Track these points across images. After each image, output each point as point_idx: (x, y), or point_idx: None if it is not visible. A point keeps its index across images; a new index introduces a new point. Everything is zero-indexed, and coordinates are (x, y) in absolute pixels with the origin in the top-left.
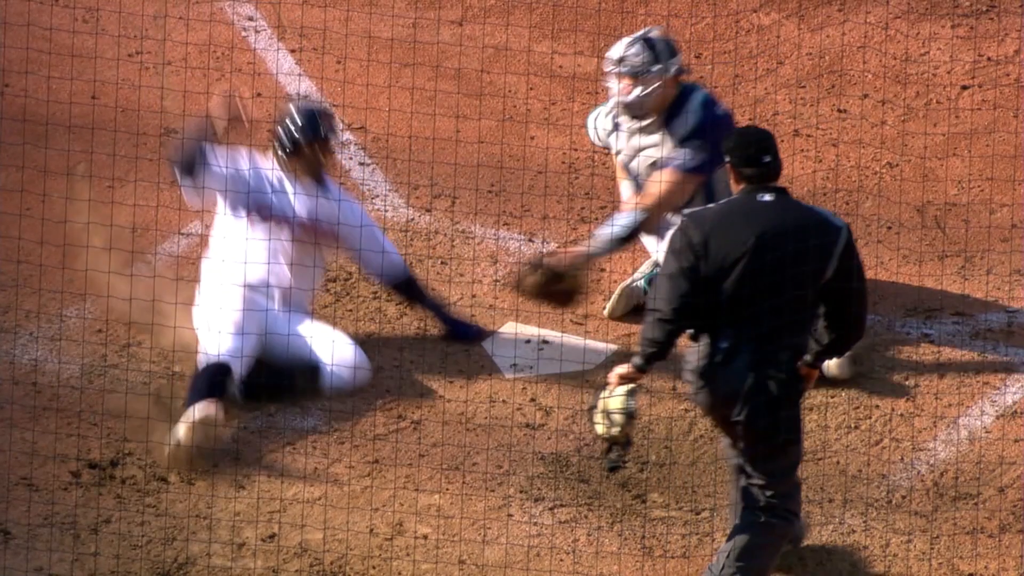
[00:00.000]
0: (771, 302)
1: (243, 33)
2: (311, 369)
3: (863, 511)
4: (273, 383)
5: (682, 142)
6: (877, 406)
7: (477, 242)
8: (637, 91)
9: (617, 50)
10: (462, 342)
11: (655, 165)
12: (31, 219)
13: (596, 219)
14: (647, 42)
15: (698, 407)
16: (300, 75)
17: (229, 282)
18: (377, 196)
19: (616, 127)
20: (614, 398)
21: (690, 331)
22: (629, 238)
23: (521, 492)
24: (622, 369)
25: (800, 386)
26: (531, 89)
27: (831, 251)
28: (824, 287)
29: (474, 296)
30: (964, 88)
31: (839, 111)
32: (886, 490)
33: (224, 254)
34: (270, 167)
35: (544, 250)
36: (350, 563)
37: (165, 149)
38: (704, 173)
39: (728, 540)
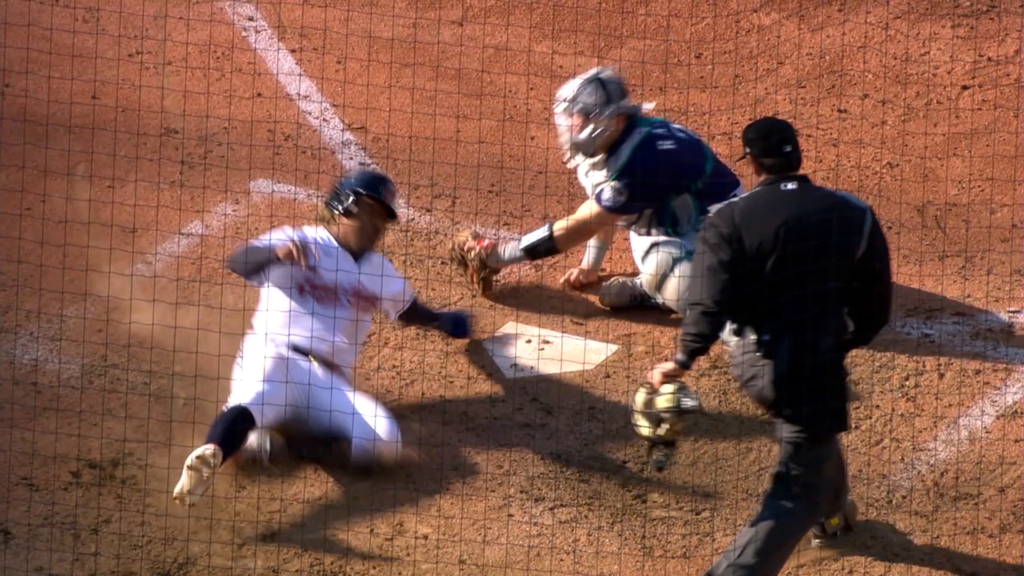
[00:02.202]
0: (806, 290)
1: (243, 33)
2: (343, 441)
3: (864, 511)
4: (303, 451)
5: (609, 178)
6: (877, 406)
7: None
8: (588, 130)
9: (569, 89)
10: (462, 337)
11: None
12: (31, 219)
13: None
14: (600, 82)
15: (749, 398)
16: (300, 75)
17: (272, 352)
18: None
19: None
20: (661, 397)
21: (732, 326)
22: (536, 252)
23: (521, 492)
24: (665, 367)
25: (844, 373)
26: (531, 89)
27: (859, 231)
28: (855, 268)
29: (474, 296)
30: (964, 88)
31: (839, 111)
32: (886, 490)
33: (268, 326)
34: (322, 237)
35: (474, 231)
36: (350, 563)
37: (230, 260)
38: (623, 214)
39: (751, 525)
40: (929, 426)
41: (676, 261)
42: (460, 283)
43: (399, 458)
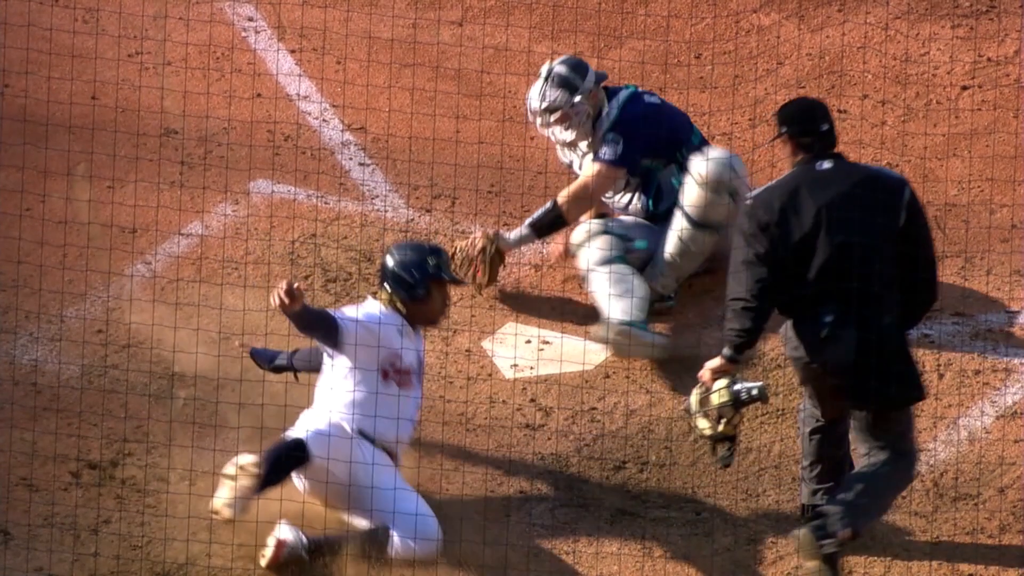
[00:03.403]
0: (858, 266)
1: (243, 33)
2: (383, 532)
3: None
4: (341, 543)
5: (602, 138)
6: None
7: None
8: (572, 123)
9: (535, 102)
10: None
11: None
12: (31, 219)
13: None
14: (557, 79)
15: (801, 378)
16: (300, 75)
17: (333, 433)
18: (377, 196)
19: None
20: (715, 394)
21: (787, 309)
22: (541, 226)
23: (521, 492)
24: (713, 364)
25: (907, 341)
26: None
27: (899, 203)
28: (898, 242)
29: (474, 296)
30: (964, 88)
31: (839, 111)
32: None
33: (330, 405)
34: (393, 318)
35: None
36: (350, 563)
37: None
38: (622, 165)
39: (856, 481)
40: (929, 426)
41: (608, 260)
42: (458, 284)
43: (439, 557)
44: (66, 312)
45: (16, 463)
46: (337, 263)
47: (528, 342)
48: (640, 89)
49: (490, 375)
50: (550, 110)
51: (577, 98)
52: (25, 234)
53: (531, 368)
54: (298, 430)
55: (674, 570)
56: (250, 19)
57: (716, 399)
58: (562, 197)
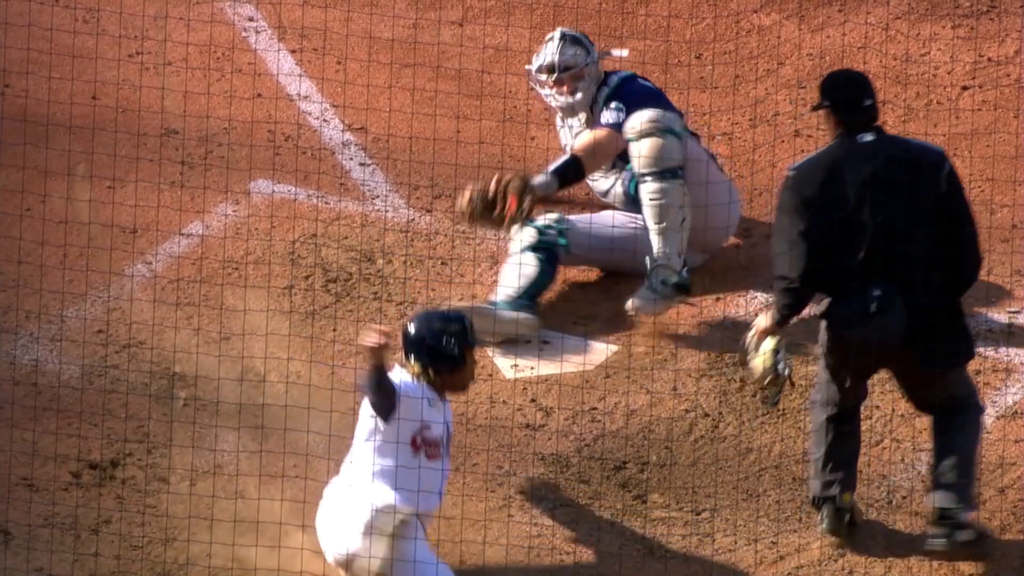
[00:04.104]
0: (901, 240)
1: (243, 33)
2: None
3: (864, 511)
4: None
5: (604, 105)
6: (878, 407)
7: (477, 243)
8: (582, 85)
9: (551, 57)
10: None
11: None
12: (31, 219)
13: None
14: (571, 39)
15: (836, 353)
16: (300, 76)
17: (356, 506)
18: (378, 196)
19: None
20: (759, 357)
21: (830, 286)
22: (566, 175)
23: (521, 493)
24: (762, 323)
25: (958, 304)
26: (531, 89)
27: (939, 177)
28: (940, 213)
29: (474, 296)
30: (964, 89)
31: None
32: (887, 490)
33: (353, 479)
34: (423, 388)
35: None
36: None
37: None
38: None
39: (945, 459)
40: (929, 426)
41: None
42: (460, 283)
43: None
44: (66, 312)
45: (16, 463)
46: (338, 263)
47: (528, 342)
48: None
49: (490, 375)
50: (566, 67)
51: (590, 59)
52: (25, 234)
53: (531, 368)
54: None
55: (674, 570)
56: (251, 19)
57: (759, 363)
58: (579, 150)
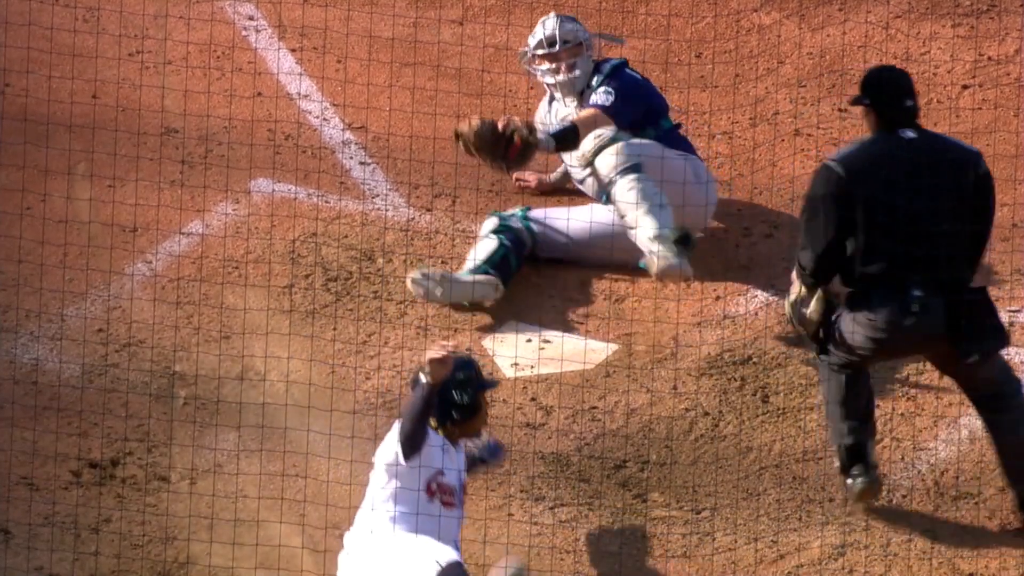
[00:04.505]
0: (944, 235)
1: (244, 32)
2: None
3: (864, 510)
4: None
5: (595, 89)
6: (878, 406)
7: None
8: (579, 62)
9: (549, 31)
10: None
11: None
12: (32, 218)
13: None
14: (568, 18)
15: (869, 347)
16: (301, 74)
17: (376, 555)
18: (378, 195)
19: (554, 109)
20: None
21: (863, 287)
22: (564, 140)
23: (522, 492)
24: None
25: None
26: (532, 88)
27: (972, 177)
28: (972, 209)
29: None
30: (965, 87)
31: (840, 111)
32: (887, 489)
33: (372, 526)
34: (436, 440)
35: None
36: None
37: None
38: (613, 116)
39: (1014, 457)
40: (929, 425)
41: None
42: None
43: None
44: (67, 311)
45: (17, 462)
46: (338, 262)
47: (529, 341)
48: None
49: (491, 374)
50: (566, 41)
51: (586, 34)
52: (26, 233)
53: (532, 367)
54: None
55: (674, 569)
56: (251, 18)
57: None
58: (579, 122)
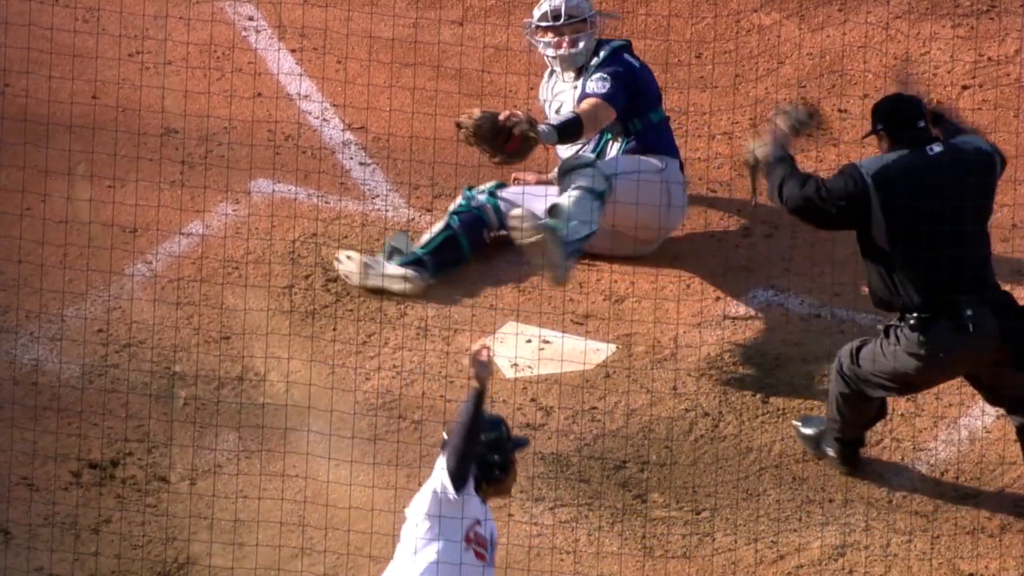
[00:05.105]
0: (980, 249)
1: (243, 33)
2: None
3: (864, 511)
4: None
5: (592, 75)
6: None
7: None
8: (582, 38)
9: (555, 4)
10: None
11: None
12: (32, 219)
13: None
14: None
15: (924, 373)
16: (301, 75)
17: None
18: (378, 196)
19: (552, 82)
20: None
21: (909, 312)
22: (566, 131)
23: (522, 492)
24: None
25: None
26: (532, 89)
27: (994, 181)
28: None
29: (475, 296)
30: (965, 88)
31: (840, 111)
32: (887, 490)
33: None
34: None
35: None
36: (351, 563)
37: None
38: (613, 104)
39: None
40: (929, 426)
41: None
42: (460, 283)
43: None
44: (67, 311)
45: (17, 462)
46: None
47: (528, 341)
48: (625, 49)
49: (491, 375)
50: (571, 15)
51: (591, 10)
52: (26, 233)
53: (531, 368)
54: None
55: (674, 570)
56: (251, 18)
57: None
58: (581, 112)
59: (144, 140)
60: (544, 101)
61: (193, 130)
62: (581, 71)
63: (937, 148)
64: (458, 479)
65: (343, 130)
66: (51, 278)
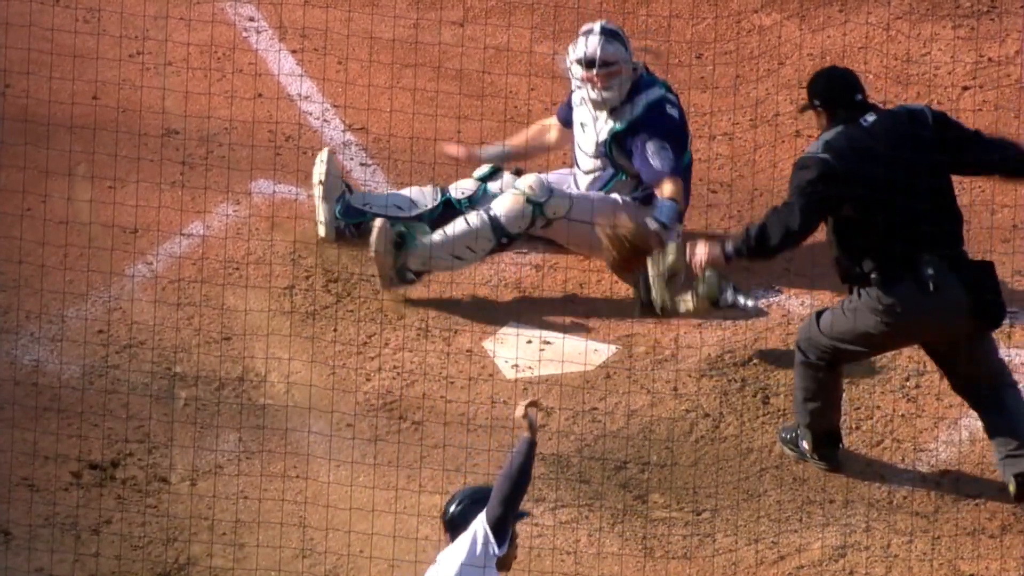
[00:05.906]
0: (937, 209)
1: (244, 34)
2: None
3: (865, 511)
4: None
5: (651, 147)
6: (878, 407)
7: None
8: (615, 83)
9: (591, 49)
10: None
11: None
12: (32, 219)
13: None
14: (612, 33)
15: (885, 337)
16: (301, 76)
17: None
18: None
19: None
20: (701, 284)
21: (871, 272)
22: (678, 221)
23: None
24: (712, 252)
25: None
26: (532, 90)
27: (931, 130)
28: (952, 156)
29: (475, 297)
30: (965, 89)
31: None
32: (887, 491)
33: None
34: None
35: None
36: (351, 564)
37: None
38: (681, 175)
39: (1004, 424)
40: (930, 427)
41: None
42: (460, 284)
43: None
44: (67, 312)
45: (17, 463)
46: (339, 263)
47: (529, 342)
48: (668, 94)
49: (491, 375)
50: (606, 63)
51: (629, 57)
52: (26, 234)
53: (532, 369)
54: None
55: (675, 570)
56: (251, 19)
57: (701, 288)
58: (675, 197)
59: (145, 141)
60: (569, 123)
61: (194, 131)
62: (614, 110)
63: (871, 117)
64: (502, 531)
65: (344, 131)
66: (52, 279)
